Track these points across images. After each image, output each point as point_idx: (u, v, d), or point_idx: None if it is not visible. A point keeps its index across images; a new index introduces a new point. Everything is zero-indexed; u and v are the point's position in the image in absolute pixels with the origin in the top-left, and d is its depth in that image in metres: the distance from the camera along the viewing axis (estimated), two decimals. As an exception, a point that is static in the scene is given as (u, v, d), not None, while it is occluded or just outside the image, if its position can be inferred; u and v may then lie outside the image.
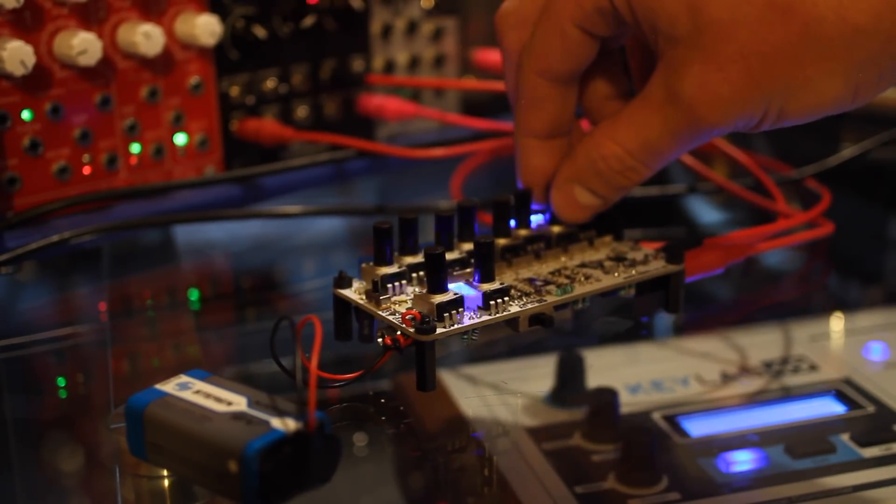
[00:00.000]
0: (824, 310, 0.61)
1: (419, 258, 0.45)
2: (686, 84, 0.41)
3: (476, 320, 0.42)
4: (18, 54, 0.53)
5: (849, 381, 0.51)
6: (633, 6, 0.42)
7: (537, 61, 0.45)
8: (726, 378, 0.51)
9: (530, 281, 0.45)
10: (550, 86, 0.46)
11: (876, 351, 0.54)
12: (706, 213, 0.72)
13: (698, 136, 0.42)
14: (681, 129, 0.42)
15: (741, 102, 0.41)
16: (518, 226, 0.48)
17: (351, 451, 0.45)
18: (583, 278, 0.45)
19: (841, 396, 0.50)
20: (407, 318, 0.41)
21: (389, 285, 0.43)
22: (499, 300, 0.42)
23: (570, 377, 0.50)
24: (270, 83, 0.64)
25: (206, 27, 0.59)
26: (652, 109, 0.43)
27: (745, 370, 0.52)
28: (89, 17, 0.56)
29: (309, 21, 0.64)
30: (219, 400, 0.37)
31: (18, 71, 0.53)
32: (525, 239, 0.47)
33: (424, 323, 0.40)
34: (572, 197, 0.46)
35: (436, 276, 0.42)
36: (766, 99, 0.41)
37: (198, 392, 0.38)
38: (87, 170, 0.58)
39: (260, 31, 0.62)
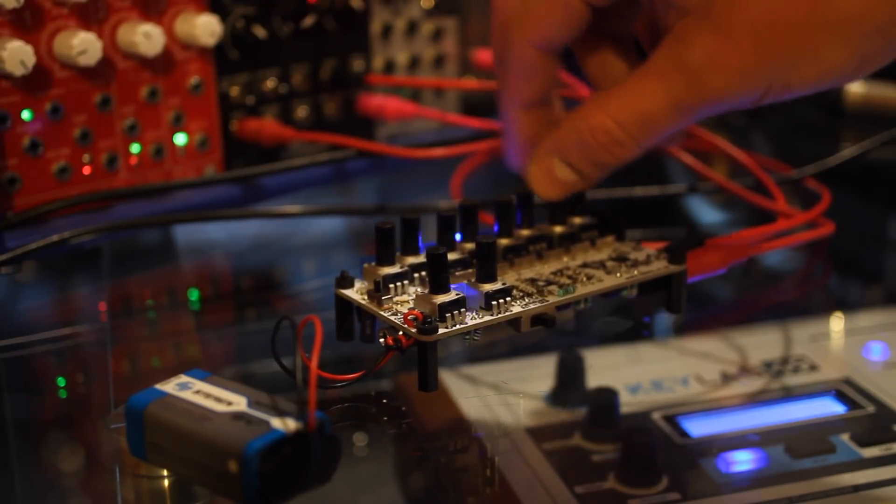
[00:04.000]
0: (824, 310, 0.61)
1: (421, 258, 0.45)
2: (695, 53, 0.41)
3: (478, 320, 0.42)
4: (18, 54, 0.53)
5: (849, 381, 0.51)
6: None
7: (531, 30, 0.44)
8: (726, 378, 0.51)
9: (532, 281, 0.45)
10: (541, 56, 0.45)
11: (876, 351, 0.54)
12: (706, 213, 0.72)
13: (699, 109, 0.42)
14: (684, 99, 0.41)
15: (748, 72, 0.40)
16: (521, 225, 0.48)
17: (351, 452, 0.45)
18: (585, 278, 0.45)
19: (841, 396, 0.50)
20: (409, 318, 0.41)
21: (391, 285, 0.43)
22: (501, 300, 0.42)
23: (570, 377, 0.50)
24: (270, 83, 0.64)
25: (206, 27, 0.59)
26: (654, 79, 0.42)
27: (745, 370, 0.52)
28: (89, 17, 0.56)
29: (309, 21, 0.64)
30: (219, 400, 0.37)
31: (18, 71, 0.53)
32: (527, 239, 0.47)
33: (426, 323, 0.40)
34: (551, 170, 0.45)
35: (438, 276, 0.42)
36: (773, 70, 0.40)
37: (198, 392, 0.38)
38: (87, 170, 0.58)
39: (260, 31, 0.62)
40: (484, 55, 0.72)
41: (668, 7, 0.42)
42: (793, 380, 0.51)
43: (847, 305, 0.61)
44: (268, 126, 0.63)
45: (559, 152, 0.44)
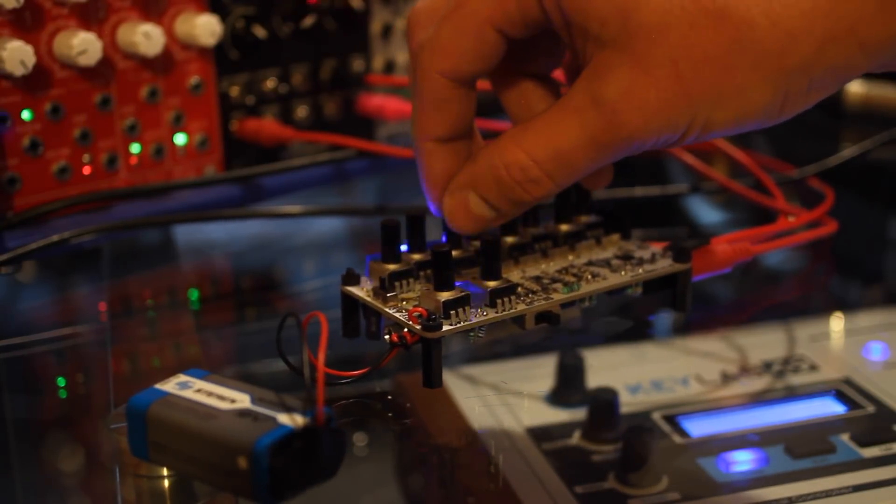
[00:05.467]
0: (824, 310, 0.61)
1: (426, 256, 0.45)
2: (611, 87, 0.39)
3: (483, 318, 0.42)
4: (18, 54, 0.53)
5: (849, 381, 0.51)
6: (563, 9, 0.40)
7: (442, 60, 0.42)
8: (726, 378, 0.51)
9: (537, 279, 0.45)
10: (454, 87, 0.42)
11: (876, 351, 0.54)
12: (707, 212, 0.72)
13: (616, 147, 0.40)
14: (599, 136, 0.39)
15: (667, 109, 0.39)
16: (526, 224, 0.48)
17: (352, 450, 0.45)
18: (590, 276, 0.45)
19: (841, 396, 0.50)
20: (414, 315, 0.41)
21: (397, 283, 0.43)
22: (505, 298, 0.42)
23: (570, 377, 0.50)
24: (270, 83, 0.64)
25: (206, 27, 0.59)
26: (570, 115, 0.40)
27: (745, 370, 0.52)
28: (89, 17, 0.56)
29: (309, 21, 0.64)
30: (221, 398, 0.37)
31: (18, 71, 0.53)
32: (532, 237, 0.47)
33: (431, 320, 0.41)
34: (465, 205, 0.43)
35: (443, 273, 0.42)
36: (693, 107, 0.39)
37: (199, 391, 0.38)
38: (87, 170, 0.58)
39: (260, 31, 0.62)
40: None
41: (587, 40, 0.40)
42: (793, 380, 0.51)
43: (847, 305, 0.61)
44: (268, 126, 0.63)
45: (474, 187, 0.42)
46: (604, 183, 0.46)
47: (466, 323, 0.41)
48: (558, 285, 0.44)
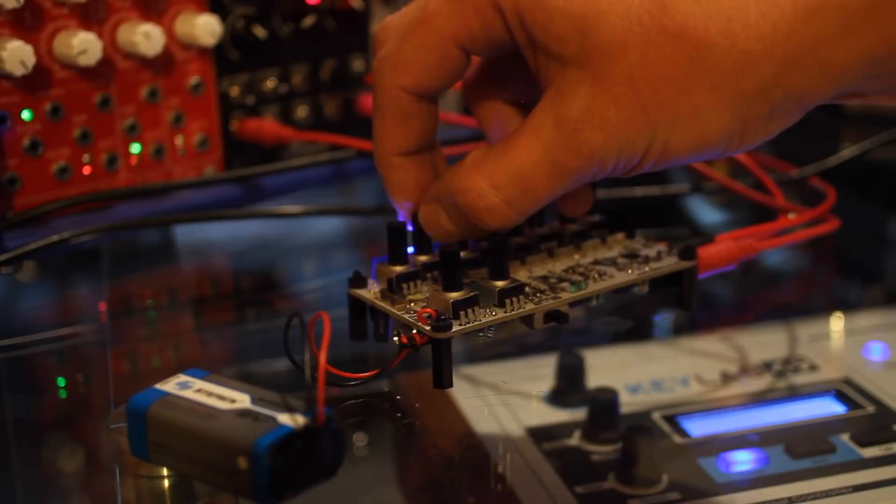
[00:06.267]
0: (824, 310, 0.61)
1: (432, 257, 0.45)
2: (571, 106, 0.38)
3: (491, 318, 0.42)
4: (18, 54, 0.53)
5: (849, 381, 0.51)
6: (525, 27, 0.39)
7: (405, 76, 0.41)
8: (726, 378, 0.51)
9: (544, 278, 0.45)
10: (416, 101, 0.42)
11: (876, 351, 0.54)
12: (707, 212, 0.72)
13: (576, 169, 0.39)
14: (560, 157, 0.39)
15: (626, 128, 0.38)
16: (531, 224, 0.48)
17: (352, 450, 0.45)
18: (597, 275, 0.45)
19: (841, 396, 0.50)
20: (423, 315, 0.41)
21: (404, 284, 0.43)
22: (514, 298, 0.42)
23: (570, 377, 0.50)
24: (270, 83, 0.64)
25: (206, 27, 0.59)
26: (530, 136, 0.39)
27: (745, 370, 0.52)
28: (89, 17, 0.56)
29: (309, 21, 0.65)
30: (221, 398, 0.37)
31: (18, 71, 0.53)
32: (538, 237, 0.47)
33: (440, 321, 0.41)
34: (437, 217, 0.42)
35: (451, 274, 0.42)
36: (651, 128, 0.38)
37: (199, 391, 0.38)
38: (87, 170, 0.58)
39: (260, 31, 0.62)
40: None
41: (549, 59, 0.39)
42: (793, 380, 0.51)
43: (847, 305, 0.61)
44: (268, 126, 0.63)
45: (440, 202, 0.42)
46: (583, 208, 0.45)
47: (476, 323, 0.41)
48: (566, 284, 0.44)
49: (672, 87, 0.38)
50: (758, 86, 0.37)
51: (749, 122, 0.38)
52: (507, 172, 0.39)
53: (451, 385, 0.41)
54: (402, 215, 0.45)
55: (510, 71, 0.44)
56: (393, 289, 0.43)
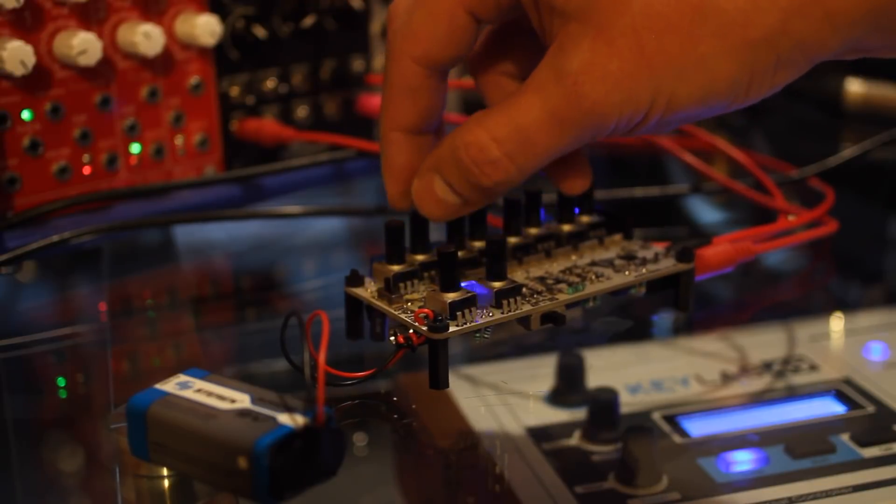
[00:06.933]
0: (824, 310, 0.61)
1: (431, 256, 0.45)
2: (574, 60, 0.38)
3: (489, 318, 0.42)
4: (18, 54, 0.53)
5: (849, 381, 0.51)
6: None
7: (415, 46, 0.41)
8: (726, 378, 0.51)
9: (541, 279, 0.45)
10: (425, 74, 0.42)
11: (876, 351, 0.54)
12: (707, 213, 0.72)
13: (578, 124, 0.38)
14: (561, 111, 0.38)
15: (629, 81, 0.38)
16: (528, 223, 0.48)
17: (351, 451, 0.45)
18: (594, 277, 0.45)
19: (841, 396, 0.50)
20: (420, 316, 0.41)
21: (401, 284, 0.43)
22: (511, 299, 0.42)
23: (570, 377, 0.50)
24: (270, 83, 0.64)
25: (206, 27, 0.59)
26: (532, 92, 0.39)
27: (745, 370, 0.52)
28: (89, 17, 0.56)
29: (309, 21, 0.65)
30: (221, 398, 0.37)
31: (18, 71, 0.53)
32: (536, 237, 0.47)
33: (437, 321, 0.41)
34: (431, 189, 0.41)
35: (448, 274, 0.42)
36: (655, 79, 0.38)
37: (199, 391, 0.38)
38: (87, 170, 0.58)
39: (260, 31, 0.62)
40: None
41: (553, 16, 0.39)
42: (793, 380, 0.51)
43: (847, 305, 0.61)
44: (268, 126, 0.63)
45: (438, 170, 0.41)
46: (580, 184, 0.44)
47: (472, 324, 0.41)
48: (563, 286, 0.44)
49: (676, 36, 0.37)
50: (763, 34, 0.37)
51: (755, 72, 0.38)
52: (508, 126, 0.39)
53: (447, 386, 0.41)
54: (389, 195, 0.44)
55: (515, 46, 0.44)
56: (390, 288, 0.43)
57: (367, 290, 0.44)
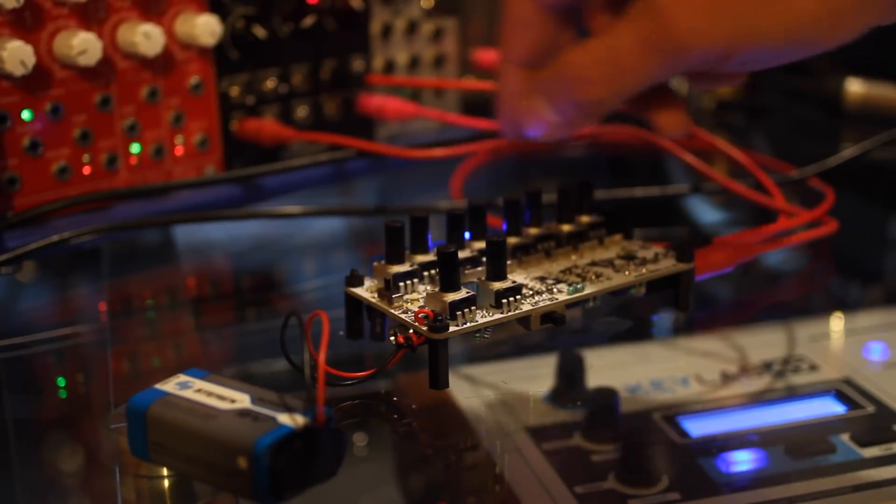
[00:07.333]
0: (824, 310, 0.61)
1: (431, 257, 0.45)
2: None
3: (488, 318, 0.42)
4: (18, 54, 0.53)
5: (849, 381, 0.51)
6: None
7: None
8: (726, 378, 0.51)
9: (541, 279, 0.45)
10: (538, 11, 0.46)
11: (876, 351, 0.54)
12: (707, 213, 0.72)
13: (666, 52, 0.41)
14: (649, 40, 0.41)
15: (714, 12, 0.40)
16: (529, 223, 0.48)
17: (352, 451, 0.45)
18: (594, 277, 0.45)
19: (841, 396, 0.50)
20: (419, 316, 0.41)
21: (401, 283, 0.43)
22: (511, 298, 0.42)
23: (570, 377, 0.50)
24: (270, 83, 0.64)
25: (206, 27, 0.59)
26: (626, 21, 0.42)
27: (745, 370, 0.52)
28: (89, 17, 0.56)
29: (309, 21, 0.65)
30: (221, 398, 0.37)
31: (18, 71, 0.53)
32: (535, 238, 0.47)
33: (437, 321, 0.41)
34: (536, 108, 0.45)
35: (449, 274, 0.42)
36: (739, 12, 0.40)
37: (199, 391, 0.38)
38: (87, 170, 0.58)
39: (260, 31, 0.62)
40: (484, 55, 0.72)
41: None
42: (793, 380, 0.51)
43: (847, 305, 0.61)
44: (268, 126, 0.63)
45: (542, 89, 0.45)
46: (676, 127, 0.46)
47: (473, 324, 0.41)
48: (563, 286, 0.44)
49: None
50: None
51: (837, 11, 0.40)
52: (604, 50, 0.42)
53: (447, 386, 0.41)
54: (499, 121, 0.47)
55: None
56: (390, 288, 0.43)
57: (367, 290, 0.44)
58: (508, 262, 0.45)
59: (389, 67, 0.69)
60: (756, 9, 0.40)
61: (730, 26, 0.40)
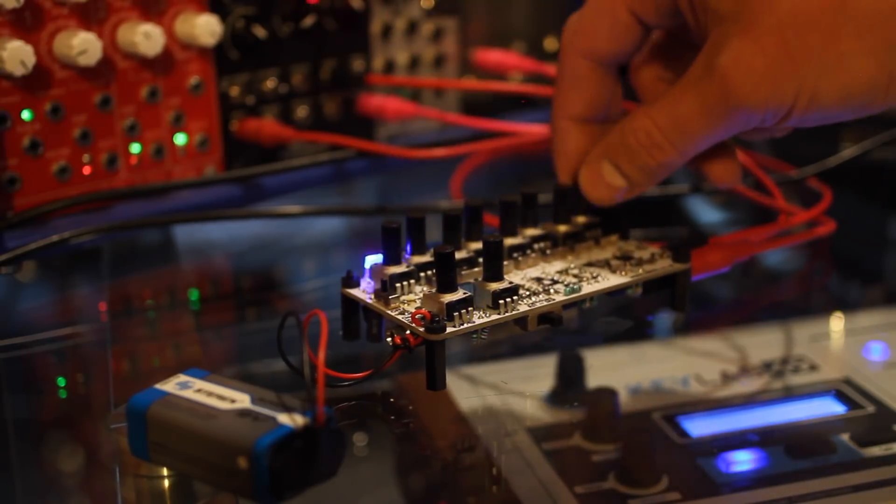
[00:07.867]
0: (824, 310, 0.61)
1: (427, 257, 0.45)
2: (722, 57, 0.41)
3: (485, 319, 0.42)
4: (18, 54, 0.53)
5: (849, 381, 0.51)
6: None
7: (582, 40, 0.47)
8: (726, 378, 0.51)
9: (538, 280, 0.45)
10: (591, 67, 0.47)
11: (876, 351, 0.54)
12: (706, 212, 0.72)
13: (727, 116, 0.42)
14: (711, 104, 0.42)
15: (774, 75, 0.41)
16: (524, 225, 0.48)
17: (352, 451, 0.45)
18: (590, 277, 0.45)
19: (841, 396, 0.50)
20: (416, 317, 0.41)
21: (398, 285, 0.43)
22: (508, 299, 0.42)
23: (570, 377, 0.50)
24: (270, 83, 0.64)
25: (206, 27, 0.59)
26: (688, 85, 0.43)
27: (745, 370, 0.52)
28: (89, 17, 0.56)
29: (309, 21, 0.64)
30: (221, 398, 0.37)
31: (18, 71, 0.53)
32: (532, 238, 0.47)
33: (434, 322, 0.40)
34: (600, 174, 0.46)
35: (446, 275, 0.42)
36: (798, 76, 0.41)
37: (199, 391, 0.38)
38: (87, 170, 0.58)
39: (260, 31, 0.62)
40: (484, 55, 0.72)
41: (707, 17, 0.43)
42: (793, 380, 0.51)
43: (847, 305, 0.61)
44: (268, 126, 0.63)
45: (607, 155, 0.46)
46: (730, 177, 0.48)
47: (470, 325, 0.41)
48: (559, 286, 0.44)
49: (819, 34, 0.40)
50: None
51: (894, 73, 0.40)
52: (668, 116, 0.44)
53: (444, 387, 0.41)
54: (559, 178, 0.49)
55: (673, 56, 0.49)
56: (387, 289, 0.43)
57: (364, 292, 0.44)
58: (505, 263, 0.45)
59: (389, 67, 0.69)
60: (815, 73, 0.40)
61: (790, 90, 0.41)
